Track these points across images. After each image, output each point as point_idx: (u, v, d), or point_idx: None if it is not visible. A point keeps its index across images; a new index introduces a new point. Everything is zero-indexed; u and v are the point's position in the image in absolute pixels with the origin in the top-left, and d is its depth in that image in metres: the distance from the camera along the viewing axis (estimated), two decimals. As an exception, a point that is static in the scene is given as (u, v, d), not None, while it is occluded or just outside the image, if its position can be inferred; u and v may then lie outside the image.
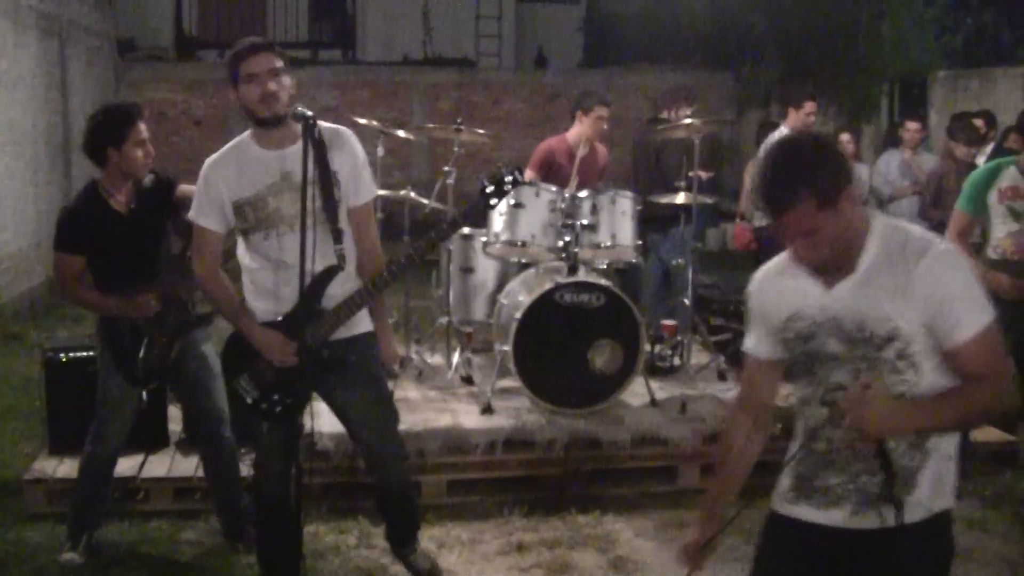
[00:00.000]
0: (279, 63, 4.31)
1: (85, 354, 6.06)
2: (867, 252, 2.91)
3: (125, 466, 5.79)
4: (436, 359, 7.56)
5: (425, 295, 8.49)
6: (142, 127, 5.11)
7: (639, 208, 6.97)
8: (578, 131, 7.82)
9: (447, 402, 6.73)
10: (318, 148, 4.32)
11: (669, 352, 7.60)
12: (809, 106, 9.26)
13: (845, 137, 10.65)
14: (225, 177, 4.42)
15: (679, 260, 7.67)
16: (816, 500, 3.11)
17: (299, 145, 4.28)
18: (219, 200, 4.43)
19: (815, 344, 3.00)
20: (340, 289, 4.45)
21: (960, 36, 14.68)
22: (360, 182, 4.58)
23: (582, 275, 6.59)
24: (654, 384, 6.85)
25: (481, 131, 8.06)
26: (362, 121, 8.55)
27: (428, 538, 5.58)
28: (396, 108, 17.64)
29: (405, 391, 6.87)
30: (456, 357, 7.24)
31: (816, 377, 3.04)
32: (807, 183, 2.78)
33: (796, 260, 2.98)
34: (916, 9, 15.07)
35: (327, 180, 4.37)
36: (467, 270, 7.41)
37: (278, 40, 19.31)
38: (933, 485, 2.96)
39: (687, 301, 7.53)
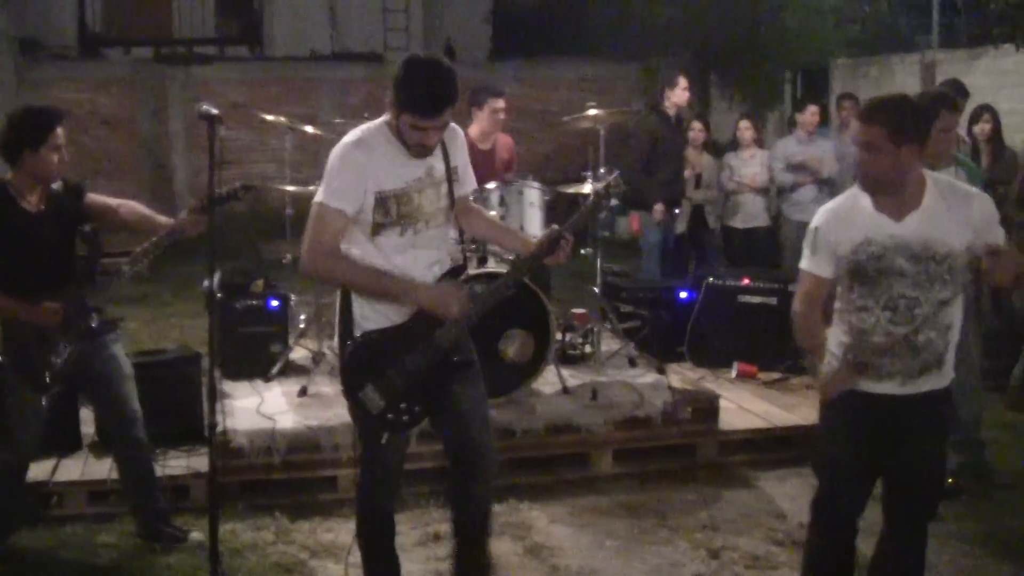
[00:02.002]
0: (448, 118, 4.10)
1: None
2: (928, 194, 3.95)
3: (37, 471, 5.74)
4: (350, 354, 7.57)
5: (335, 290, 8.47)
6: (60, 132, 5.09)
7: (547, 199, 7.06)
8: (477, 126, 7.87)
9: (362, 396, 6.73)
10: (443, 146, 4.24)
11: (580, 340, 7.71)
12: (683, 82, 9.64)
13: (744, 124, 10.79)
14: (373, 163, 4.10)
15: (588, 249, 7.77)
16: (873, 376, 4.08)
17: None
18: (361, 185, 4.08)
19: (885, 262, 3.95)
20: None
21: (859, 25, 14.98)
22: (469, 175, 4.50)
23: (492, 266, 6.65)
24: (565, 372, 6.96)
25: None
26: (270, 118, 8.55)
27: (346, 531, 5.63)
28: (305, 103, 17.52)
29: (319, 386, 6.89)
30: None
31: (880, 288, 3.99)
32: (892, 118, 3.86)
33: (861, 183, 4.02)
34: (816, -2, 15.38)
35: (451, 177, 4.31)
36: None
37: (185, 36, 19.29)
38: (950, 362, 4.12)
39: (596, 289, 7.63)
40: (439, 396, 4.29)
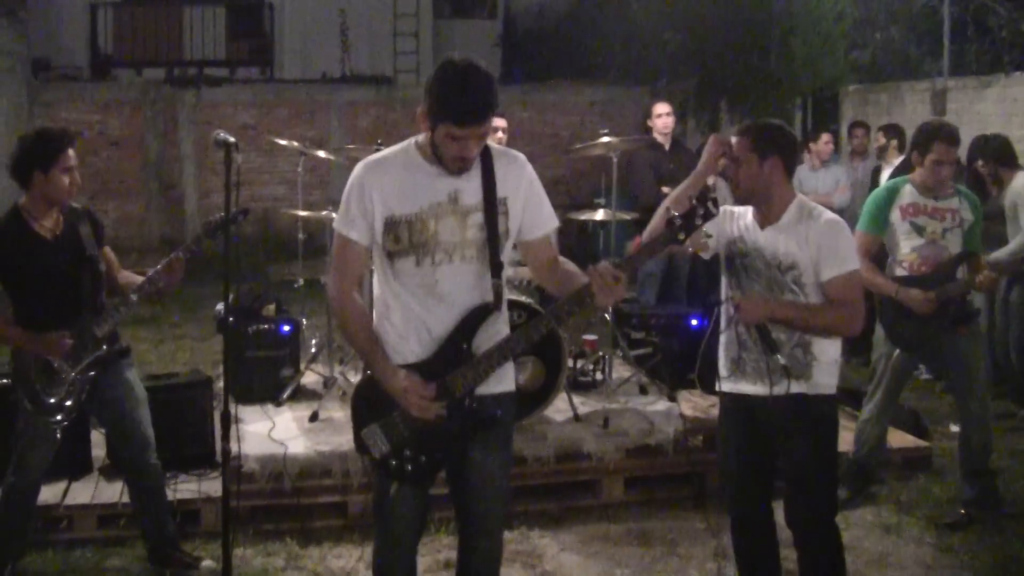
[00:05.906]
0: (490, 124, 3.70)
1: (4, 382, 5.97)
2: (788, 212, 4.46)
3: (48, 494, 5.74)
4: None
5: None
6: (71, 154, 5.11)
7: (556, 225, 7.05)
8: None
9: (372, 422, 6.72)
10: (487, 172, 3.80)
11: (591, 367, 7.70)
12: (658, 108, 9.89)
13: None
14: (382, 186, 3.78)
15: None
16: (744, 375, 4.57)
17: (474, 164, 3.79)
18: (367, 209, 3.79)
19: (748, 260, 4.51)
20: (491, 331, 3.89)
21: (868, 51, 15.01)
22: (535, 216, 3.96)
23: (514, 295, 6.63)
24: (576, 399, 6.94)
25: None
26: (282, 142, 8.58)
27: (356, 559, 5.63)
28: (315, 126, 17.59)
29: (330, 412, 6.89)
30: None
31: (742, 283, 4.54)
32: (758, 133, 4.48)
33: (732, 192, 4.56)
34: (826, 25, 15.38)
35: (492, 208, 3.80)
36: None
37: (195, 58, 19.38)
38: (824, 377, 4.48)
39: (607, 316, 7.62)
40: (459, 458, 3.92)
